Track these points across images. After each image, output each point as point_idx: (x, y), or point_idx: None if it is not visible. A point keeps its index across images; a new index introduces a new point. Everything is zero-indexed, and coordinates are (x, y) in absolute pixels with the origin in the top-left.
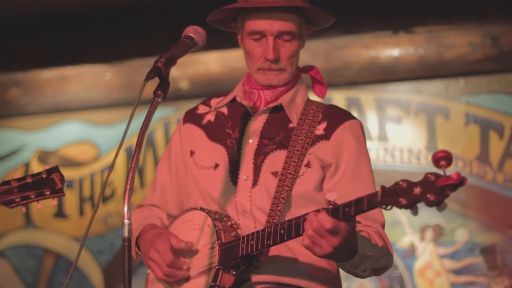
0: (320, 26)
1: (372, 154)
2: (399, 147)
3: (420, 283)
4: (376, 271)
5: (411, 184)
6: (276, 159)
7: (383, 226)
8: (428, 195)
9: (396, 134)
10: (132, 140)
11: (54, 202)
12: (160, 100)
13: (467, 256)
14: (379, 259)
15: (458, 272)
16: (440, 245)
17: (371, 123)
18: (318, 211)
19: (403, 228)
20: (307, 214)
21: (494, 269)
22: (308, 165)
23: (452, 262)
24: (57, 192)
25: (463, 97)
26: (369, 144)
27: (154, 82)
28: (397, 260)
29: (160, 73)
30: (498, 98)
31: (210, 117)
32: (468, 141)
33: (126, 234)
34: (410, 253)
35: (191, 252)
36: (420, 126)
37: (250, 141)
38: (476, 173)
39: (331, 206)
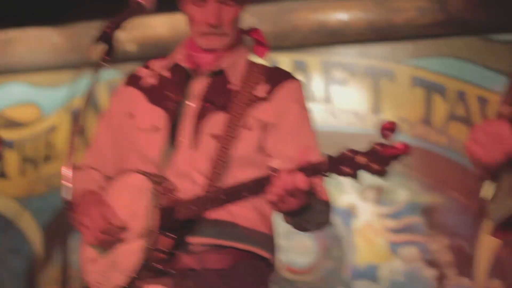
0: None
1: (317, 116)
2: (344, 109)
3: (359, 242)
4: (320, 225)
5: (355, 153)
6: (217, 122)
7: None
8: (372, 164)
9: (342, 96)
10: (77, 102)
11: None
12: (106, 64)
13: (407, 216)
14: (323, 214)
15: (397, 231)
16: (381, 205)
17: (317, 85)
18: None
19: (343, 187)
20: (265, 177)
21: (434, 228)
22: (248, 127)
23: (392, 222)
24: None
25: (410, 60)
26: (314, 106)
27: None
28: (337, 219)
29: (108, 38)
30: (444, 62)
31: (152, 80)
32: (413, 103)
33: (66, 196)
34: (350, 213)
35: (128, 216)
36: (365, 89)
37: (191, 104)
38: (420, 135)
39: (286, 169)
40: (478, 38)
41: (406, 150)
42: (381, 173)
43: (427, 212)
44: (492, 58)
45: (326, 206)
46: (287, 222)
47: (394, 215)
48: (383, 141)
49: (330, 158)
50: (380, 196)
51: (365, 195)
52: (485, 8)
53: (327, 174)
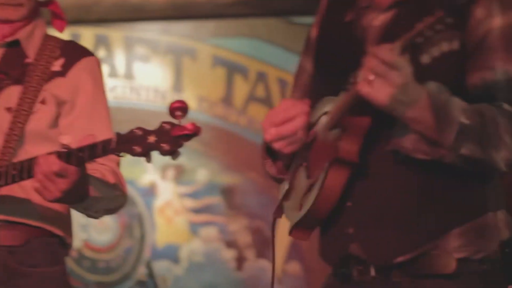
0: None
1: (118, 92)
2: (145, 86)
3: (160, 221)
4: (110, 211)
5: (146, 132)
6: (11, 95)
7: (118, 164)
8: (163, 144)
9: (143, 73)
10: None
11: None
12: None
13: (207, 196)
14: (112, 200)
15: (197, 211)
16: (181, 184)
17: (119, 61)
18: (50, 153)
19: (144, 166)
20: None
21: (233, 209)
22: (43, 101)
23: (192, 201)
24: None
25: (211, 39)
26: (115, 82)
27: None
28: (137, 198)
29: None
30: (246, 42)
31: None
32: (214, 83)
33: None
34: (151, 191)
35: None
36: (167, 66)
37: None
38: (220, 115)
39: (65, 150)
40: (279, 20)
41: (195, 130)
42: (171, 153)
43: (227, 192)
44: (293, 41)
45: (114, 189)
46: (74, 209)
47: (194, 195)
48: (173, 120)
49: (118, 136)
50: (180, 175)
51: (165, 174)
52: None
53: (117, 153)
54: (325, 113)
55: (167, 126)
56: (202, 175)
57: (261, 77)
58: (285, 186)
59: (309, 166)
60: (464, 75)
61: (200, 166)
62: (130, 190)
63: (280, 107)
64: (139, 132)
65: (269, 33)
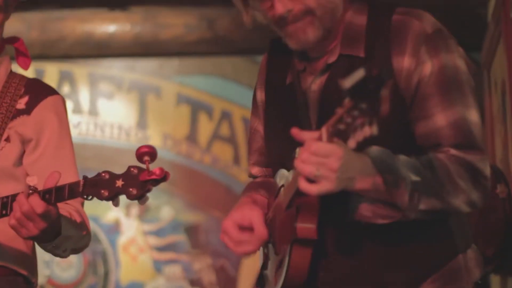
0: None
1: (83, 129)
2: (109, 123)
3: (124, 258)
4: (76, 251)
5: (113, 176)
6: None
7: (82, 204)
8: (131, 189)
9: (108, 109)
10: None
11: None
12: None
13: (171, 234)
14: (79, 240)
15: (161, 249)
16: (145, 222)
17: (83, 97)
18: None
19: (108, 203)
20: (16, 194)
21: (197, 247)
22: (7, 139)
23: (156, 239)
24: None
25: (176, 77)
26: (79, 118)
27: None
28: (101, 235)
29: None
30: (210, 81)
31: None
32: (179, 120)
33: None
34: (115, 229)
35: None
36: (132, 103)
37: None
38: (185, 153)
39: (30, 191)
40: (244, 59)
41: (163, 175)
42: (139, 198)
43: (191, 230)
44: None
45: (81, 229)
46: (42, 248)
47: (158, 233)
48: (140, 165)
49: (86, 179)
50: (144, 213)
51: (129, 211)
52: (250, 30)
53: (85, 196)
54: (282, 186)
55: (134, 171)
56: (166, 213)
57: (226, 115)
58: (262, 252)
59: (275, 242)
60: (403, 138)
61: (164, 204)
62: (94, 227)
63: (246, 219)
64: (107, 176)
65: (234, 71)
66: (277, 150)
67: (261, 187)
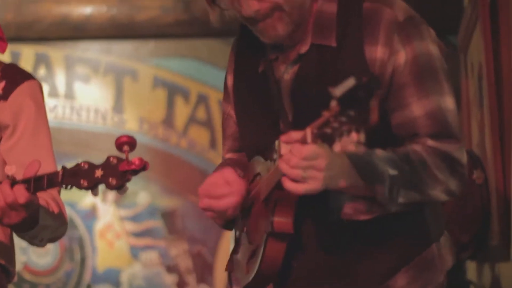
0: None
1: (59, 112)
2: (86, 106)
3: (100, 244)
4: (52, 240)
5: (92, 166)
6: None
7: (59, 191)
8: (110, 179)
9: (84, 93)
10: None
11: None
12: None
13: (148, 219)
14: (56, 229)
15: (138, 234)
16: (122, 207)
17: (59, 80)
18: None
19: None
20: None
21: (174, 233)
22: None
23: (133, 225)
24: None
25: (152, 59)
26: (55, 101)
27: None
28: (77, 220)
29: None
30: (187, 63)
31: None
32: (155, 104)
33: None
34: (91, 214)
35: None
36: (108, 86)
37: None
38: (161, 137)
39: (8, 180)
40: (221, 41)
41: (143, 165)
42: (118, 188)
43: (167, 216)
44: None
45: (58, 218)
46: (19, 237)
47: (135, 218)
48: (120, 154)
49: (64, 169)
50: (121, 198)
51: (105, 196)
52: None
53: (64, 186)
54: (258, 174)
55: (114, 161)
56: (142, 198)
57: (202, 99)
58: (235, 235)
59: (249, 231)
60: (380, 127)
61: (141, 189)
62: (71, 213)
63: (219, 178)
64: (86, 166)
65: (211, 54)
66: (251, 137)
67: (236, 165)
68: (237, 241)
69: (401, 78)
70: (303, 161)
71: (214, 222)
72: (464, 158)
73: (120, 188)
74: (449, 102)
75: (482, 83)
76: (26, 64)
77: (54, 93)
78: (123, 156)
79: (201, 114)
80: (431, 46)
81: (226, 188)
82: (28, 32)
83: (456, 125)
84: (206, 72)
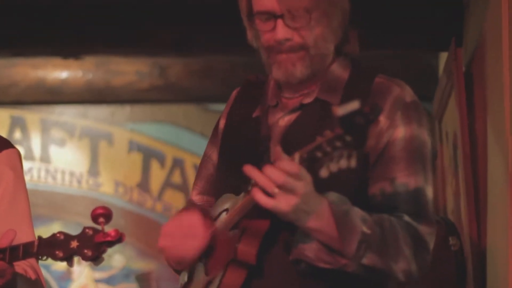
0: None
1: (34, 175)
2: (61, 169)
3: None
4: None
5: (68, 237)
6: None
7: (37, 259)
8: (86, 250)
9: (59, 156)
10: None
11: None
12: None
13: (122, 282)
14: None
15: None
16: (96, 269)
17: (35, 143)
18: None
19: None
20: None
21: None
22: None
23: (107, 287)
24: None
25: (128, 124)
26: (31, 164)
27: None
28: (52, 282)
29: None
30: (162, 128)
31: None
32: (130, 168)
33: None
34: (66, 276)
35: None
36: (83, 150)
37: None
38: (136, 201)
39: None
40: (196, 107)
41: (118, 237)
42: (94, 259)
43: (142, 279)
44: (210, 127)
45: (34, 286)
46: None
47: (109, 281)
48: (95, 226)
49: (40, 239)
50: None
51: (79, 258)
52: (202, 78)
53: (39, 257)
54: (225, 210)
55: (89, 232)
56: (117, 260)
57: (178, 163)
58: (184, 278)
59: (207, 263)
60: (363, 188)
61: (116, 252)
62: (45, 275)
63: (185, 219)
64: (61, 237)
65: (186, 119)
66: (228, 179)
67: (198, 207)
68: (190, 276)
69: (394, 152)
70: (282, 175)
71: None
72: (431, 245)
73: (95, 259)
74: (430, 192)
75: (457, 152)
76: (1, 127)
77: (29, 156)
78: (99, 227)
79: (176, 178)
80: (427, 136)
81: (191, 230)
82: (3, 96)
83: (432, 213)
84: (181, 137)
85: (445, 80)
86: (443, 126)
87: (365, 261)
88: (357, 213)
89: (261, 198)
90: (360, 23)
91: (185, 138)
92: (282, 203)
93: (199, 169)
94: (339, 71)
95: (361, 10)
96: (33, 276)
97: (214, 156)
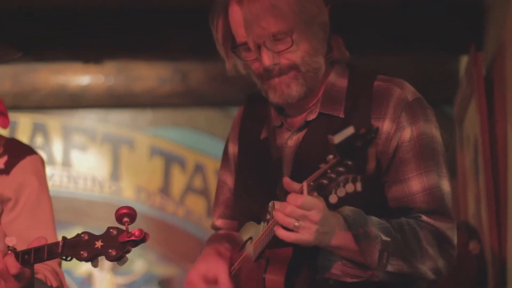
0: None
1: (56, 180)
2: (83, 175)
3: None
4: None
5: (92, 237)
6: None
7: (60, 263)
8: (110, 250)
9: (81, 161)
10: None
11: None
12: None
13: (144, 287)
14: None
15: None
16: (118, 275)
17: (57, 149)
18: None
19: None
20: None
21: None
22: None
23: None
24: None
25: (149, 129)
26: (53, 170)
27: None
28: None
29: None
30: (183, 133)
31: None
32: (152, 173)
33: None
34: (87, 281)
35: None
36: (104, 155)
37: None
38: (158, 205)
39: (9, 252)
40: (217, 111)
41: (143, 236)
42: (118, 259)
43: (164, 284)
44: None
45: None
46: None
47: (131, 286)
48: (119, 226)
49: (65, 240)
50: (117, 266)
51: (102, 264)
52: (223, 82)
53: (64, 257)
54: (250, 238)
55: (114, 232)
56: (139, 265)
57: (199, 168)
58: None
59: None
60: (376, 200)
61: (137, 257)
62: (67, 280)
63: (211, 270)
64: (86, 237)
65: (207, 124)
66: (246, 204)
67: (224, 240)
68: None
69: (404, 154)
70: (297, 210)
71: None
72: (455, 238)
73: (119, 259)
74: (446, 184)
75: (477, 156)
76: (23, 133)
77: (51, 162)
78: (122, 227)
79: (198, 183)
80: (434, 130)
81: (215, 281)
82: (25, 102)
83: (450, 206)
84: (202, 141)
85: (466, 84)
86: (464, 130)
87: (390, 268)
88: (375, 223)
89: (283, 234)
90: (378, 28)
91: (206, 143)
92: (304, 234)
93: (216, 195)
94: (338, 80)
95: (385, 17)
96: (54, 283)
97: (229, 180)
